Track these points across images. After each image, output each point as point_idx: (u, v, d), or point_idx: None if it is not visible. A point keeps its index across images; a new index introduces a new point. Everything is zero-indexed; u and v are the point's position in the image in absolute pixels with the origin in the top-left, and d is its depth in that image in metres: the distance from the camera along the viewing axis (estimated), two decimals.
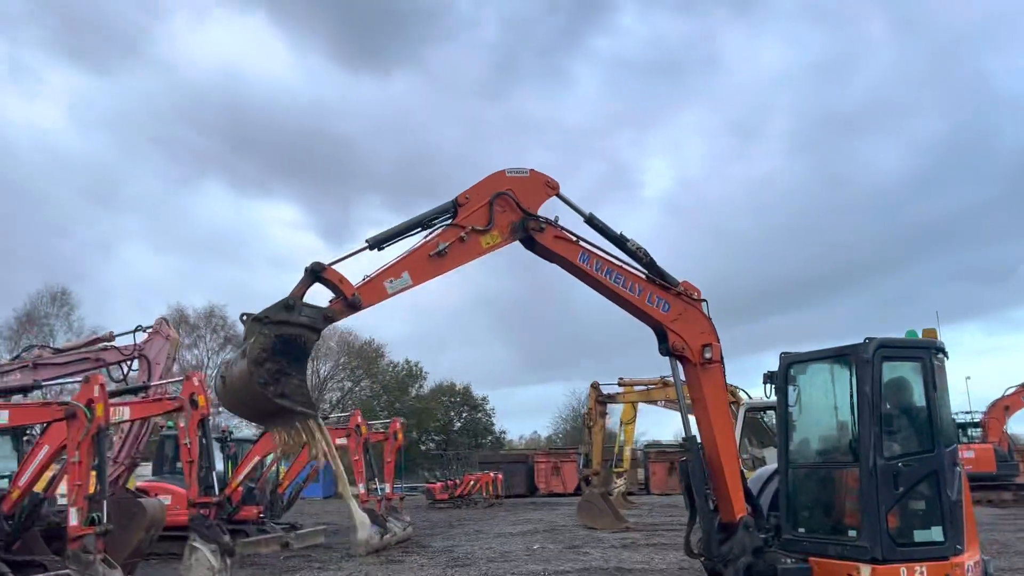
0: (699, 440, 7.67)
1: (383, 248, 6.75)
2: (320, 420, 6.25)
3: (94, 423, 10.71)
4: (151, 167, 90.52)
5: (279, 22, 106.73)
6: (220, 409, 57.78)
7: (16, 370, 16.24)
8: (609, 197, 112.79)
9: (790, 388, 8.03)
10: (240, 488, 19.68)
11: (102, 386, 10.96)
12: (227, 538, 13.05)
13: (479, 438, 69.76)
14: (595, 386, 25.09)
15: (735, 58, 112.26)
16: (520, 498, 44.07)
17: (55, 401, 11.14)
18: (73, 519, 10.52)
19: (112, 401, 13.44)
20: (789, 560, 7.38)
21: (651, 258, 7.51)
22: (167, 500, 18.75)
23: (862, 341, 7.36)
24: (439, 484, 38.73)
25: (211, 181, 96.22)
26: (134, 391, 14.49)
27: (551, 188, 7.28)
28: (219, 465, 20.87)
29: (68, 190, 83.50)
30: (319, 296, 6.39)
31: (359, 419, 19.67)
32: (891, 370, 7.57)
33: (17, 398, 13.29)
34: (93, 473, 10.70)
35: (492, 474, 40.86)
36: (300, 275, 6.33)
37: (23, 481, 13.25)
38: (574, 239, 7.34)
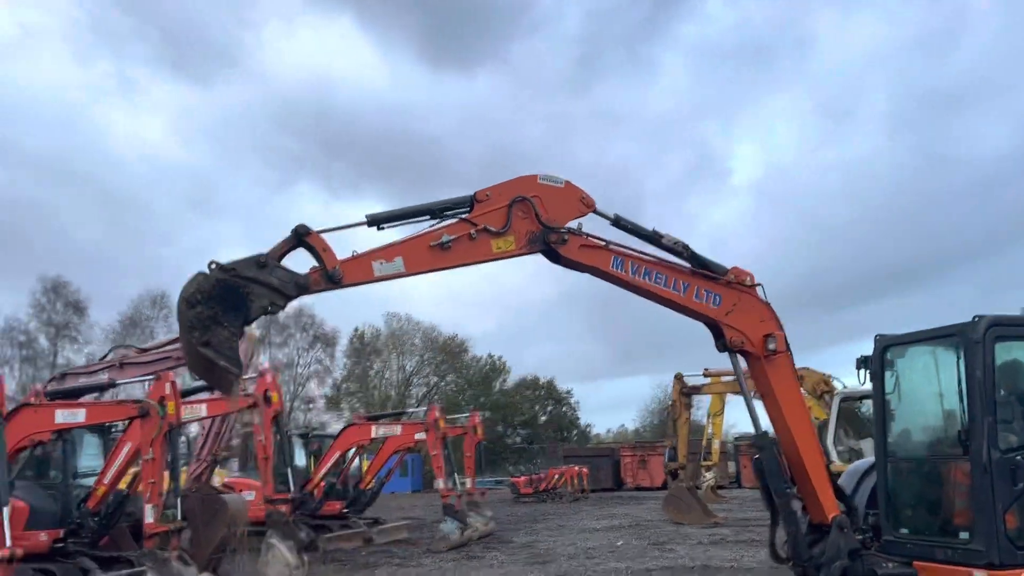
0: (773, 435, 7.02)
1: (383, 228, 6.25)
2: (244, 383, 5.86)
3: (166, 421, 10.72)
4: (248, 173, 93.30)
5: (365, 24, 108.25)
6: (309, 406, 58.90)
7: (104, 369, 16.64)
8: (696, 187, 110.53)
9: (887, 374, 7.27)
10: (323, 484, 19.73)
11: (173, 384, 10.97)
12: (303, 534, 12.99)
13: (564, 432, 69.27)
14: (678, 377, 24.28)
15: (827, 38, 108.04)
16: (606, 492, 43.40)
17: (130, 400, 11.23)
18: (149, 516, 10.57)
19: (189, 399, 13.57)
20: (891, 564, 6.67)
21: (692, 250, 6.85)
22: (251, 496, 18.96)
23: (971, 320, 6.57)
24: (523, 478, 38.45)
25: (305, 184, 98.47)
26: (209, 388, 14.58)
27: (585, 205, 6.58)
28: (302, 461, 21.07)
29: (171, 199, 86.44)
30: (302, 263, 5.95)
31: (437, 413, 19.46)
32: (1005, 351, 6.73)
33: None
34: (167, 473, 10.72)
35: (577, 468, 40.34)
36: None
37: (107, 478, 13.48)
38: (603, 244, 6.67)
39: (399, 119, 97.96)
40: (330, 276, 5.86)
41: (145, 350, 16.95)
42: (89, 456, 14.84)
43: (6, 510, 8.01)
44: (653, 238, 6.77)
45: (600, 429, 78.78)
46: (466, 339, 67.99)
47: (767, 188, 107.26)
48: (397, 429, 20.56)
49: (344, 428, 20.37)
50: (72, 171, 75.73)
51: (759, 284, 6.97)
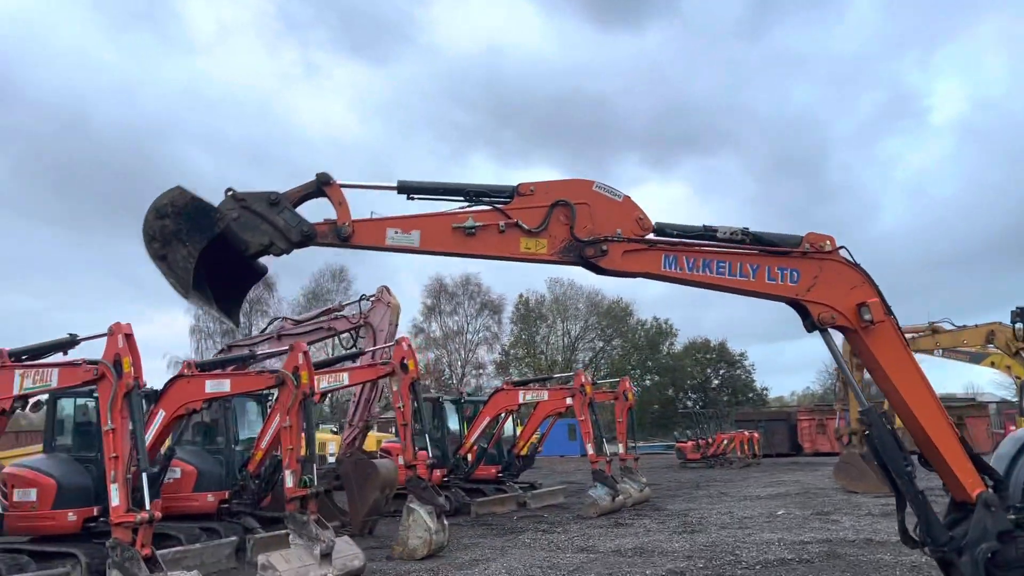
0: (884, 408, 6.13)
1: (412, 198, 5.85)
2: (203, 304, 5.53)
3: (300, 389, 11.08)
4: (422, 147, 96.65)
5: None
6: (479, 371, 60.26)
7: (264, 340, 17.65)
8: (890, 129, 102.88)
9: None
10: (475, 448, 20.03)
11: (306, 354, 11.31)
12: (442, 499, 13.12)
13: (738, 395, 67.06)
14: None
15: None
16: (781, 458, 41.60)
17: (268, 370, 11.73)
18: (289, 481, 10.99)
19: (332, 368, 14.04)
20: None
21: (753, 233, 5.99)
22: (401, 460, 19.55)
23: None
24: (690, 443, 37.48)
25: (476, 154, 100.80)
26: (351, 357, 15.07)
27: (642, 228, 5.86)
28: (454, 426, 21.48)
29: (350, 174, 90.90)
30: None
31: (583, 378, 19.17)
32: None
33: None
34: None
35: (748, 433, 38.87)
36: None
37: (264, 443, 14.30)
38: (647, 245, 5.92)
39: (567, 82, 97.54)
40: (338, 231, 5.61)
41: (299, 322, 17.80)
42: (249, 423, 15.81)
43: (145, 475, 8.53)
44: (708, 235, 6.02)
45: (783, 392, 75.66)
46: (631, 303, 67.17)
47: (973, 126, 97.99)
48: (544, 394, 20.48)
49: (493, 393, 20.54)
50: (267, 155, 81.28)
51: (842, 247, 6.05)
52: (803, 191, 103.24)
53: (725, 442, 37.32)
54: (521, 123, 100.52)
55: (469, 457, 20.19)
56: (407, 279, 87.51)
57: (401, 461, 19.20)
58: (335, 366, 14.41)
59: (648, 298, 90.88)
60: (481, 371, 63.86)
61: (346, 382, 14.10)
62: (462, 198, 5.84)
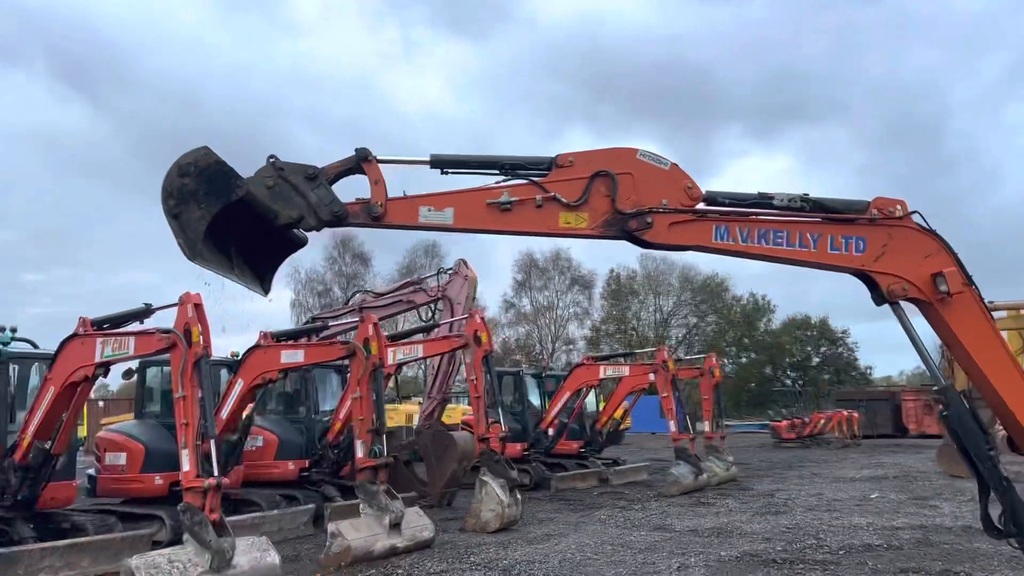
0: (965, 387, 5.55)
1: (446, 172, 5.54)
2: (213, 268, 5.31)
3: (370, 360, 11.13)
4: (519, 122, 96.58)
5: None
6: (569, 347, 59.97)
7: (346, 313, 17.91)
8: (1016, 93, 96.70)
9: None
10: (555, 423, 19.87)
11: (375, 326, 11.34)
12: (514, 473, 13.03)
13: (840, 374, 64.60)
14: None
15: None
16: (884, 439, 39.83)
17: (339, 341, 11.83)
18: (359, 451, 11.08)
19: (406, 340, 14.09)
20: None
21: (813, 199, 5.43)
22: None
23: None
24: (785, 423, 36.31)
25: (574, 129, 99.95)
26: (425, 329, 15.09)
27: (691, 197, 5.37)
28: (536, 401, 21.36)
29: (448, 150, 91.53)
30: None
31: (665, 355, 18.69)
32: None
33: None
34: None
35: (847, 412, 37.36)
36: None
37: (343, 414, 14.49)
38: (696, 216, 5.42)
39: (667, 52, 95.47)
40: (370, 210, 5.40)
41: (380, 295, 17.97)
42: (331, 394, 16.07)
43: (213, 442, 8.69)
44: (764, 203, 5.50)
45: (892, 371, 72.47)
46: (726, 278, 65.45)
47: None
48: (625, 370, 20.09)
49: (573, 368, 20.30)
50: (367, 133, 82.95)
51: (915, 212, 5.45)
52: (918, 161, 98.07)
53: (822, 422, 35.99)
54: (620, 96, 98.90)
55: (550, 432, 20.04)
56: (504, 254, 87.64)
57: None
58: (410, 338, 14.45)
59: (745, 274, 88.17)
60: (571, 347, 63.64)
61: (420, 354, 14.13)
62: (497, 171, 5.56)
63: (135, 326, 9.84)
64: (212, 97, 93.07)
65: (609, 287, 65.52)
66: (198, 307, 8.94)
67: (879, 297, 5.52)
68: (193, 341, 8.77)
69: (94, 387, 10.99)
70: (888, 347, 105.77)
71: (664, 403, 18.62)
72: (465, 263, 16.85)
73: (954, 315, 5.38)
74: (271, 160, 5.41)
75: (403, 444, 16.96)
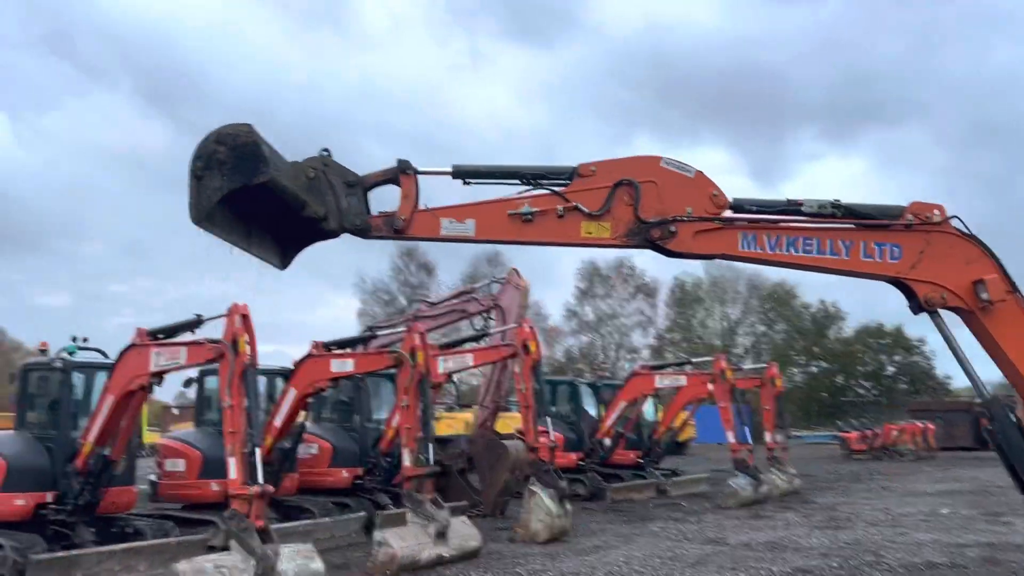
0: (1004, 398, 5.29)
1: (468, 183, 5.51)
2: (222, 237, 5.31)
3: (416, 369, 11.20)
4: (586, 129, 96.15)
5: None
6: (632, 356, 59.47)
7: (402, 323, 18.07)
8: None
9: None
10: (611, 433, 19.66)
11: (422, 335, 11.41)
12: (564, 483, 12.93)
13: (916, 384, 62.34)
14: None
15: None
16: (963, 452, 38.21)
17: (387, 350, 11.95)
18: (406, 460, 11.15)
19: (457, 349, 14.15)
20: None
21: (844, 205, 5.22)
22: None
23: None
24: (855, 434, 35.23)
25: (640, 135, 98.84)
26: (475, 338, 15.12)
27: (717, 205, 5.23)
28: (592, 410, 21.19)
29: (515, 160, 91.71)
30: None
31: (723, 363, 18.34)
32: None
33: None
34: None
35: (921, 424, 36.01)
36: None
37: (395, 422, 14.61)
38: (721, 224, 5.25)
39: (736, 55, 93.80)
40: (392, 223, 5.43)
41: (434, 304, 18.10)
42: (386, 403, 16.22)
43: (259, 451, 8.86)
44: (792, 210, 5.33)
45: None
46: (795, 285, 63.86)
47: None
48: (682, 380, 19.77)
49: (628, 377, 20.08)
50: (435, 144, 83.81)
51: (953, 216, 5.19)
52: (1004, 161, 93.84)
53: (895, 433, 34.78)
54: (687, 101, 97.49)
55: (606, 442, 19.84)
56: (567, 262, 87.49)
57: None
58: (459, 347, 14.50)
59: (814, 280, 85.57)
60: (635, 356, 62.91)
61: (470, 363, 14.17)
62: (519, 182, 5.53)
63: (188, 336, 10.10)
64: (285, 112, 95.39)
65: (674, 295, 64.66)
66: (245, 318, 9.14)
67: (916, 306, 5.32)
68: (240, 351, 8.97)
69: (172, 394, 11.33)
70: (969, 357, 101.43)
71: (722, 413, 18.27)
72: (517, 272, 16.85)
73: (997, 324, 5.15)
74: (323, 152, 5.51)
75: (457, 453, 17.02)
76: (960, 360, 5.47)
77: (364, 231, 5.51)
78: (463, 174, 5.60)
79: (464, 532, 11.39)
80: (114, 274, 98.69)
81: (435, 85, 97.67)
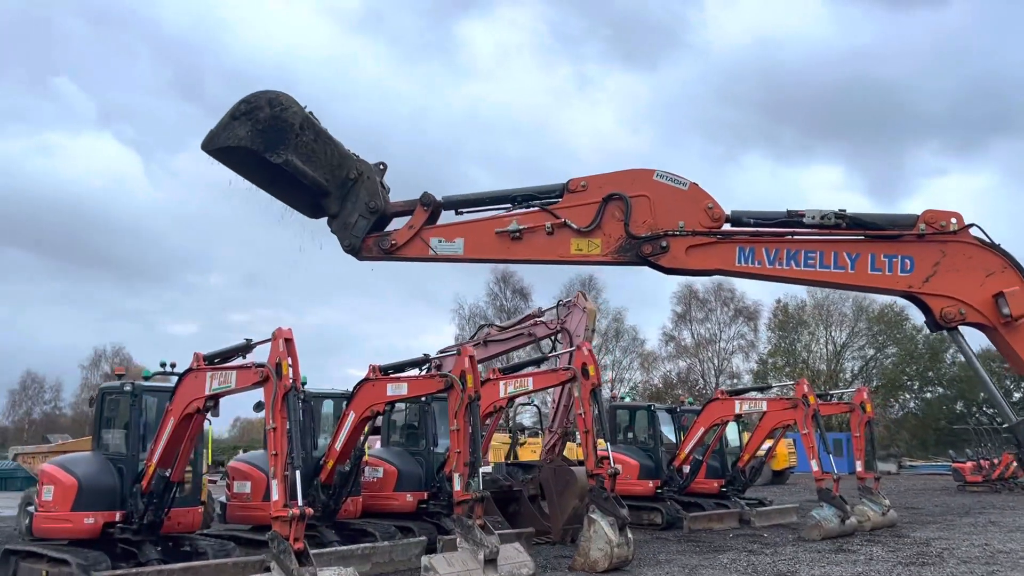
0: None
1: (460, 213, 5.42)
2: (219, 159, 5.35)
3: (466, 393, 11.15)
4: (693, 150, 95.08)
5: None
6: (733, 382, 57.86)
7: (473, 347, 18.11)
8: None
9: None
10: (689, 460, 19.03)
11: (471, 359, 11.35)
12: (624, 511, 12.55)
13: None
14: None
15: None
16: None
17: (438, 374, 11.94)
18: (456, 484, 11.08)
19: (517, 373, 14.05)
20: None
21: (851, 216, 4.79)
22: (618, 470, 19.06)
23: None
24: (970, 464, 32.93)
25: (750, 153, 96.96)
26: (535, 362, 14.95)
27: (712, 218, 4.96)
28: (671, 436, 20.61)
29: None
30: None
31: (805, 388, 17.50)
32: None
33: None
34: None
35: None
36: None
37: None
38: (716, 238, 4.93)
39: (851, 67, 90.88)
40: (380, 243, 5.44)
41: (503, 328, 18.07)
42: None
43: (299, 473, 8.97)
44: (792, 222, 4.98)
45: None
46: (904, 307, 60.67)
47: None
48: (763, 405, 18.98)
49: (707, 403, 19.42)
50: (542, 171, 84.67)
51: (972, 224, 4.72)
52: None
53: (1015, 464, 32.28)
54: (799, 117, 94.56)
55: (685, 469, 19.23)
56: (663, 285, 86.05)
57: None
58: (520, 371, 14.38)
59: None
60: (736, 381, 61.04)
61: (530, 387, 14.01)
62: (510, 205, 5.47)
63: (240, 360, 10.37)
64: (395, 143, 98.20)
65: (776, 318, 62.57)
66: (288, 342, 9.29)
67: (933, 322, 4.89)
68: (282, 375, 9.13)
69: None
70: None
71: (804, 440, 17.41)
72: (583, 295, 16.65)
73: (1021, 340, 4.66)
74: (379, 166, 5.67)
75: (529, 478, 16.84)
76: (983, 382, 5.01)
77: (355, 251, 5.59)
78: (454, 204, 5.61)
79: (516, 559, 11.22)
80: (235, 303, 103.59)
81: (541, 111, 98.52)
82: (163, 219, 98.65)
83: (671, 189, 5.25)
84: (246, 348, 10.17)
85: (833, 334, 60.47)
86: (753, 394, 20.38)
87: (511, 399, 14.14)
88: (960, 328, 4.96)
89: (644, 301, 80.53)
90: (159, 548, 11.25)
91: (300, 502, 8.88)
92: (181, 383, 10.65)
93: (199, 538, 11.95)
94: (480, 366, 15.90)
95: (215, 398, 10.42)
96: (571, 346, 15.91)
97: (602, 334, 65.39)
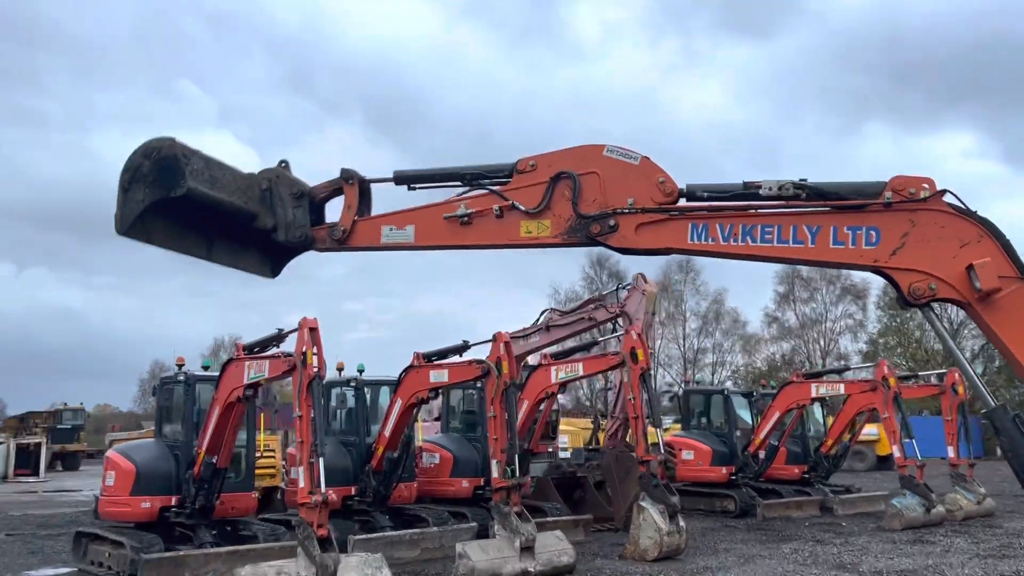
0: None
1: (413, 188, 5.19)
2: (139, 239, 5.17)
3: (501, 379, 11.04)
4: (810, 121, 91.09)
5: None
6: (841, 363, 55.61)
7: (534, 333, 18.00)
8: None
9: None
10: (764, 446, 18.29)
11: (507, 344, 11.24)
12: (675, 498, 12.18)
13: None
14: None
15: None
16: None
17: (475, 361, 11.85)
18: (494, 471, 11.01)
19: (568, 359, 13.86)
20: None
21: (810, 185, 4.31)
22: (689, 455, 18.61)
23: None
24: None
25: (872, 122, 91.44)
26: (586, 347, 14.67)
27: (664, 193, 4.60)
28: (748, 421, 19.90)
29: (732, 160, 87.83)
30: None
31: (885, 369, 16.51)
32: None
33: None
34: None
35: None
36: None
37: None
38: (666, 216, 4.55)
39: (983, 26, 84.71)
40: (332, 233, 5.30)
41: (564, 313, 17.85)
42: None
43: (322, 460, 9.07)
44: (748, 194, 4.56)
45: None
46: None
47: None
48: (840, 388, 18.02)
49: (782, 387, 18.59)
50: (651, 149, 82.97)
51: (945, 190, 4.19)
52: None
53: None
54: (928, 81, 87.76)
55: (761, 455, 18.50)
56: (767, 266, 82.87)
57: (687, 456, 18.37)
58: (571, 356, 14.15)
59: None
60: (844, 362, 58.39)
61: (580, 373, 13.76)
62: (460, 183, 5.28)
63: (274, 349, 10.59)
64: (500, 130, 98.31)
65: (886, 296, 59.42)
66: (313, 331, 9.41)
67: (903, 299, 4.43)
68: (307, 363, 9.25)
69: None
70: None
71: (886, 424, 16.46)
72: (643, 278, 16.22)
73: (999, 316, 4.18)
74: (281, 163, 5.61)
75: (591, 465, 16.62)
76: (960, 363, 4.52)
77: (308, 243, 5.52)
78: (407, 180, 5.46)
79: (556, 547, 11.04)
80: (350, 294, 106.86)
81: (648, 89, 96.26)
82: None
83: (621, 164, 4.95)
84: (280, 337, 10.37)
85: (949, 311, 56.98)
86: (831, 377, 19.36)
87: (563, 384, 13.92)
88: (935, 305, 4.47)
89: (745, 281, 77.83)
90: (214, 532, 11.63)
91: (323, 489, 8.97)
92: (224, 372, 10.97)
93: (254, 522, 12.32)
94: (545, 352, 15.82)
95: (254, 387, 10.69)
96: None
97: (702, 316, 64.05)
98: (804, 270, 60.88)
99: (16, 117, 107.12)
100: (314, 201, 5.60)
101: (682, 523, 12.27)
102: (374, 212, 5.63)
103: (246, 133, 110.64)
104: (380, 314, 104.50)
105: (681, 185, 4.86)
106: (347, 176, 5.49)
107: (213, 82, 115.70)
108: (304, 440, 9.15)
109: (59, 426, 43.16)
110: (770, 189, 4.65)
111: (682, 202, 4.88)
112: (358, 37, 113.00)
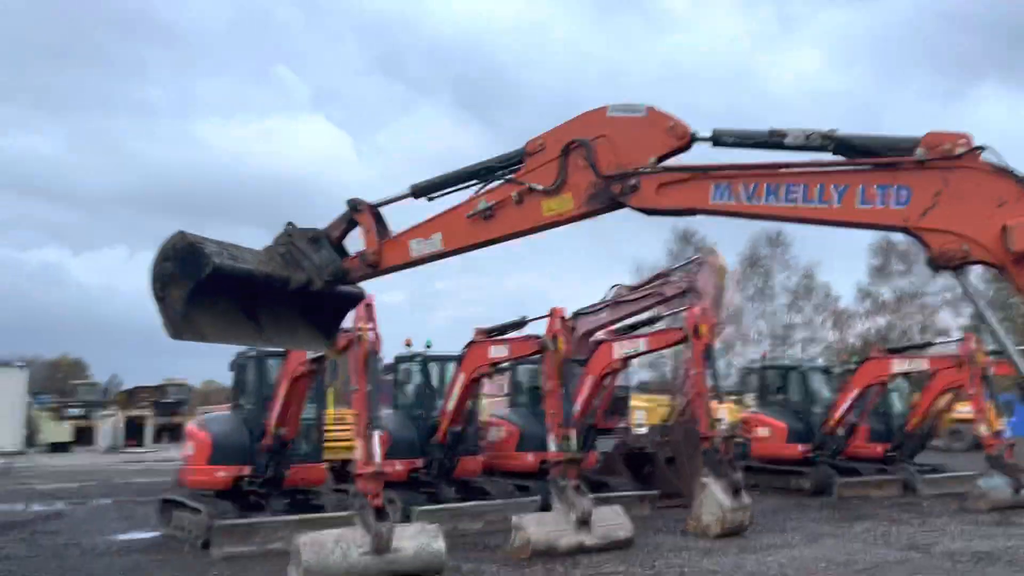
0: None
1: (432, 198, 5.19)
2: (194, 339, 5.13)
3: (557, 354, 11.09)
4: (914, 86, 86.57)
5: None
6: (940, 339, 53.29)
7: (604, 308, 17.91)
8: None
9: None
10: (843, 423, 17.74)
11: (563, 319, 11.26)
12: (738, 475, 12.01)
13: None
14: None
15: None
16: None
17: (532, 336, 11.91)
18: (551, 446, 11.09)
19: (630, 334, 13.79)
20: None
21: (839, 137, 4.06)
22: (764, 432, 18.26)
23: None
24: None
25: (983, 85, 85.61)
26: (647, 323, 14.51)
27: (677, 137, 4.42)
28: (827, 397, 19.33)
29: (827, 126, 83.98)
30: None
31: (973, 344, 15.75)
32: None
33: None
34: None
35: None
36: None
37: (576, 411, 14.57)
38: (690, 173, 4.40)
39: None
40: (364, 259, 5.38)
41: (633, 288, 17.68)
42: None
43: (378, 433, 9.32)
44: (774, 142, 4.36)
45: None
46: None
47: None
48: (923, 363, 17.27)
49: (861, 362, 17.96)
50: (745, 119, 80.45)
51: (983, 147, 3.91)
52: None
53: None
54: None
55: (840, 432, 17.96)
56: (855, 237, 79.15)
57: (763, 433, 18.03)
58: (633, 332, 14.05)
59: None
60: (945, 338, 55.84)
61: (643, 349, 13.66)
62: (476, 181, 5.30)
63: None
64: (589, 105, 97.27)
65: (988, 269, 56.47)
66: (368, 307, 9.65)
67: (932, 262, 4.22)
68: (362, 339, 9.51)
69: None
70: None
71: (973, 402, 15.72)
72: (714, 251, 15.91)
73: None
74: (287, 226, 5.78)
75: (660, 441, 16.50)
76: (994, 331, 4.28)
77: (341, 277, 5.67)
78: (423, 191, 5.52)
79: (614, 521, 11.07)
80: (440, 273, 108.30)
81: (741, 57, 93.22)
82: (372, 194, 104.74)
83: (628, 120, 4.85)
84: (520, 324, 10.80)
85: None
86: (914, 352, 18.59)
87: (626, 360, 13.85)
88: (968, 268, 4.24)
89: (837, 254, 74.89)
90: (287, 501, 12.13)
91: (378, 461, 9.23)
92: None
93: (325, 493, 12.78)
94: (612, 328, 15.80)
95: (316, 362, 11.06)
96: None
97: (792, 291, 62.19)
98: (899, 242, 58.39)
99: (126, 107, 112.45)
100: (331, 241, 5.72)
101: (747, 499, 12.10)
102: (395, 231, 5.72)
103: (338, 116, 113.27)
104: (470, 292, 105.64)
105: (700, 130, 4.74)
106: (354, 206, 5.61)
107: (307, 67, 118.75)
108: (360, 413, 9.42)
109: (164, 400, 45.40)
110: (796, 138, 4.47)
111: (708, 147, 4.75)
112: (445, 17, 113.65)
